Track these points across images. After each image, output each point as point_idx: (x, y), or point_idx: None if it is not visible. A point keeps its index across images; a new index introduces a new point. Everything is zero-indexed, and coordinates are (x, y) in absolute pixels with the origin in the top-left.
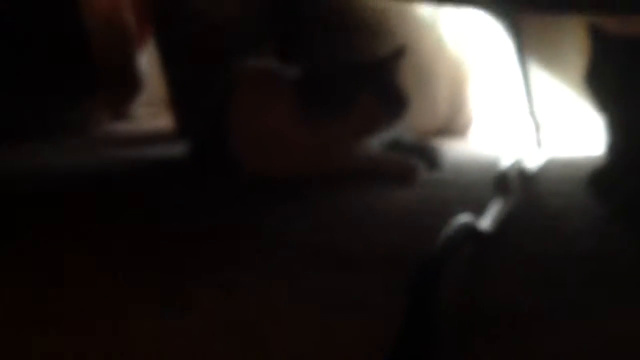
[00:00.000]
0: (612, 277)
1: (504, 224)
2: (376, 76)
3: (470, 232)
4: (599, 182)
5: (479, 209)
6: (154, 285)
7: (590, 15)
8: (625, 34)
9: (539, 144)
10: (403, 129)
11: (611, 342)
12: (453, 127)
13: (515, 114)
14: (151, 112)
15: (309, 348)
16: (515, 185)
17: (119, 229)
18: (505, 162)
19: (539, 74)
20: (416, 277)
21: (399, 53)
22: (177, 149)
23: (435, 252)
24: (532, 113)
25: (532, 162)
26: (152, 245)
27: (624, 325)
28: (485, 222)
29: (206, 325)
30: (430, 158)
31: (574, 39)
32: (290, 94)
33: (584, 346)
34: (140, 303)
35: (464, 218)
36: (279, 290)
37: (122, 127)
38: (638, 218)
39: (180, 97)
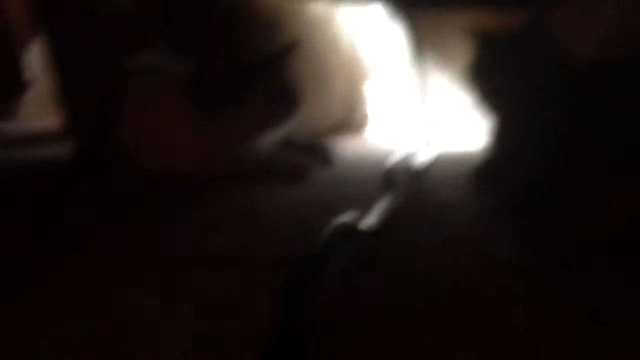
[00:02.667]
0: (491, 271)
1: (388, 220)
2: (267, 73)
3: (350, 230)
4: (482, 177)
5: (367, 206)
6: (19, 294)
7: (479, 10)
8: (506, 30)
9: (430, 139)
10: (297, 127)
11: (492, 338)
12: (349, 124)
13: (409, 110)
14: (40, 110)
15: (180, 357)
16: (402, 181)
17: None
18: (394, 158)
19: (432, 72)
20: (290, 279)
21: (289, 49)
22: (66, 148)
23: (312, 252)
24: (423, 110)
25: (423, 157)
26: (28, 248)
27: (501, 319)
28: (369, 220)
29: (67, 340)
30: (323, 156)
31: (465, 37)
32: (181, 91)
33: (456, 340)
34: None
35: (345, 217)
36: (154, 294)
37: (9, 126)
38: (516, 212)
39: (69, 94)
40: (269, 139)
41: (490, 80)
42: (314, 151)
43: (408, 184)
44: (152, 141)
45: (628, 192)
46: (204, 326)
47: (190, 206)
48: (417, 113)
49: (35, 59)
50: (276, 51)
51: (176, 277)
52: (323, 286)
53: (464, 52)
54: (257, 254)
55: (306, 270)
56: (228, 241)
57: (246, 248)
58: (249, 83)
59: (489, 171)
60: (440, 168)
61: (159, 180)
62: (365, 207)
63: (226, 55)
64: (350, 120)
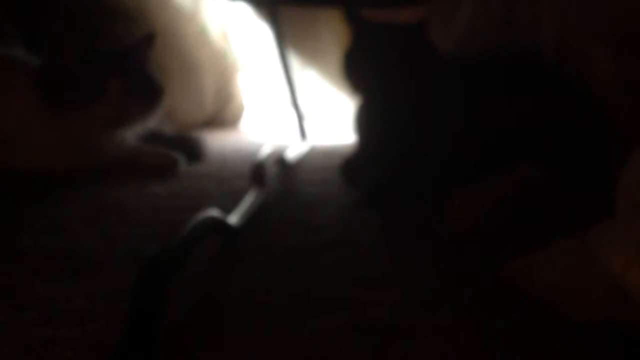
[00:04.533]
0: (353, 264)
1: (255, 215)
2: (124, 64)
3: (215, 225)
4: (349, 171)
5: (236, 201)
6: None
7: (341, 7)
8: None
9: (303, 133)
10: (163, 120)
11: (353, 331)
12: (222, 118)
13: (281, 104)
14: None
15: None
16: (272, 175)
17: None
18: (264, 153)
19: (303, 66)
20: (142, 277)
21: (147, 39)
22: None
23: (169, 247)
24: (295, 104)
25: (294, 151)
26: None
27: (365, 312)
28: (235, 215)
29: None
30: (192, 150)
31: (333, 31)
32: (32, 83)
33: (322, 339)
34: None
35: (210, 212)
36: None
37: None
38: (379, 205)
39: None
40: (131, 132)
41: (360, 69)
42: (184, 145)
43: (278, 178)
44: (1, 136)
45: (465, 192)
46: (57, 332)
47: (42, 206)
48: (289, 107)
49: None
50: (134, 41)
51: (21, 284)
52: (182, 281)
53: (335, 45)
54: (116, 253)
55: (162, 265)
56: (83, 242)
57: (105, 247)
58: (103, 74)
59: (354, 165)
60: (313, 162)
61: (12, 178)
62: (233, 202)
63: (85, 46)
64: (223, 114)
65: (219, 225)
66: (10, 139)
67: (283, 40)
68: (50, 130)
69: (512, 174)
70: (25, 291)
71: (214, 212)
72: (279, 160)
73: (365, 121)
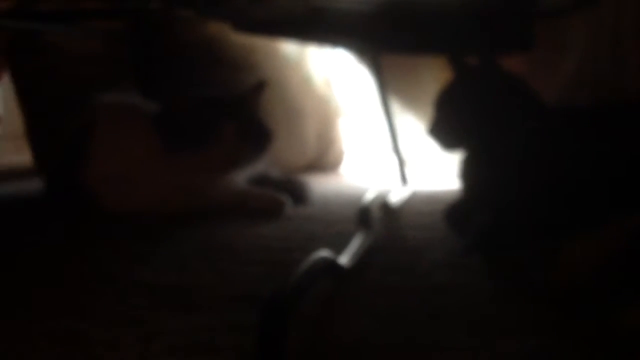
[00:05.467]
0: (464, 309)
1: (363, 258)
2: (237, 110)
3: (327, 267)
4: (454, 216)
5: (342, 244)
6: None
7: (444, 55)
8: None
9: (404, 179)
10: (270, 164)
11: None
12: (324, 162)
13: (382, 150)
14: (10, 147)
15: None
16: (377, 219)
17: None
18: (369, 197)
19: (404, 112)
20: (266, 314)
21: (259, 87)
22: (35, 185)
23: (288, 288)
24: (396, 149)
25: (396, 196)
26: None
27: (473, 357)
28: (345, 257)
29: None
30: (298, 193)
31: (433, 76)
32: (151, 128)
33: None
34: None
35: (322, 253)
36: (126, 333)
37: None
38: (487, 251)
39: (37, 131)
40: (242, 175)
41: (463, 116)
42: (289, 188)
43: (382, 223)
44: (121, 178)
45: (581, 238)
46: None
47: (160, 244)
48: (390, 152)
49: (3, 95)
50: (246, 89)
51: (148, 316)
52: (302, 323)
53: (435, 90)
54: (232, 293)
55: (283, 306)
56: (201, 280)
57: (221, 286)
58: (218, 120)
59: (460, 211)
60: (415, 207)
61: (129, 218)
62: (341, 244)
63: (197, 93)
64: (325, 158)
65: (331, 266)
66: (131, 180)
67: (384, 85)
68: (167, 172)
69: (622, 225)
70: (152, 323)
71: (325, 253)
72: (383, 205)
73: (471, 169)
